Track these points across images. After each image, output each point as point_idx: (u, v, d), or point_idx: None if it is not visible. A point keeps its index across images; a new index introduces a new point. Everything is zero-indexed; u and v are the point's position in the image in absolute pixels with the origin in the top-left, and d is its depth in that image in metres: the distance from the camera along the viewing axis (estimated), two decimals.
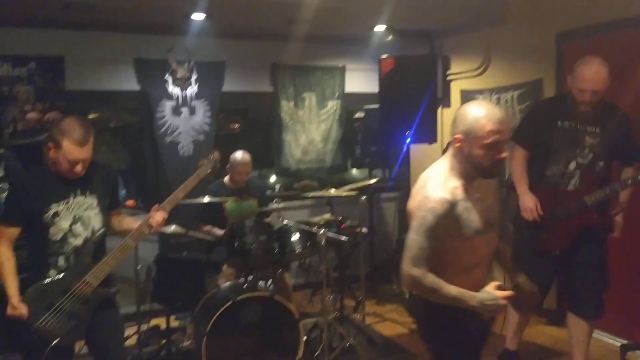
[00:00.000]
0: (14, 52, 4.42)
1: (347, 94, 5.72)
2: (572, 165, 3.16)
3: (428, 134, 4.45)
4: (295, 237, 3.91)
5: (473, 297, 1.99)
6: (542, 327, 4.31)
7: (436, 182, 2.05)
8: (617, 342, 3.74)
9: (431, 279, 2.00)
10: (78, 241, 2.56)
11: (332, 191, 4.20)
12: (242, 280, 3.70)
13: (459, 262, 2.09)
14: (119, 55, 4.83)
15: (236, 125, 6.03)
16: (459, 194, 2.03)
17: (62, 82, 4.60)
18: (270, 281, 4.05)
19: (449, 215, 1.99)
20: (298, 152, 5.65)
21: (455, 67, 5.31)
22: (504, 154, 2.02)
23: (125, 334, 4.02)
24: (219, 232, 4.29)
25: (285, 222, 4.03)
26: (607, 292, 3.21)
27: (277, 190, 5.68)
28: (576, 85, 3.06)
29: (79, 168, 2.50)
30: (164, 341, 3.86)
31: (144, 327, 4.15)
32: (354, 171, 6.05)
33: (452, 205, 2.00)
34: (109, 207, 2.74)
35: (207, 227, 4.40)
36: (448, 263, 2.07)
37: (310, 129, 5.65)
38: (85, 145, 2.47)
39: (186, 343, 3.92)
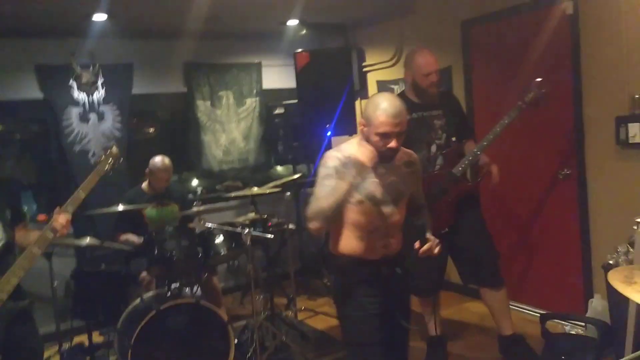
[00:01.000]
0: None
1: (265, 90, 5.66)
2: (434, 148, 3.39)
3: (348, 125, 4.48)
4: (220, 239, 3.82)
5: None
6: (468, 304, 4.44)
7: (336, 148, 2.39)
8: (537, 312, 3.91)
9: (313, 206, 2.30)
10: None
11: (255, 189, 4.13)
12: (165, 288, 3.57)
13: (353, 226, 2.34)
14: (19, 62, 4.53)
15: (151, 129, 5.82)
16: (355, 158, 2.28)
17: None
18: (196, 287, 3.94)
19: (341, 170, 2.27)
20: (219, 153, 5.53)
21: (370, 59, 5.37)
22: (393, 144, 2.24)
23: (46, 354, 3.82)
24: (136, 239, 4.12)
25: (208, 225, 3.92)
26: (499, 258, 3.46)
27: (199, 193, 5.52)
28: (420, 73, 3.33)
29: None
30: (88, 358, 3.66)
31: (66, 345, 3.93)
32: (279, 168, 6.00)
33: (343, 163, 2.27)
34: (12, 220, 2.56)
35: (124, 236, 4.22)
36: (345, 224, 2.35)
37: (230, 128, 5.55)
38: None
39: (112, 358, 3.74)
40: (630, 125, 3.35)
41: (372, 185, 2.33)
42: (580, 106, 3.69)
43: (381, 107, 2.23)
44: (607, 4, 3.44)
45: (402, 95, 3.51)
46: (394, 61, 5.08)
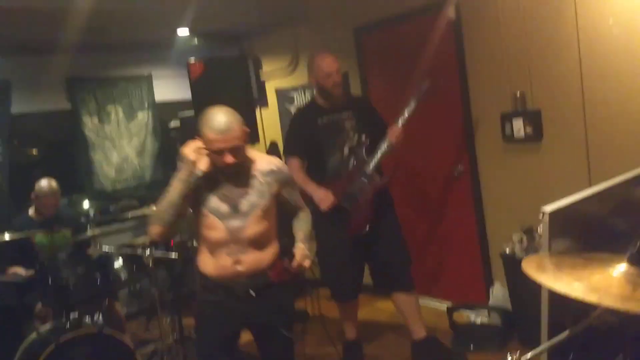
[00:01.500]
0: None
1: (158, 103, 5.45)
2: (346, 150, 3.41)
3: (250, 135, 4.39)
4: (119, 263, 3.61)
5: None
6: (379, 303, 4.52)
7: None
8: (444, 304, 4.06)
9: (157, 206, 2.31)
10: None
11: (153, 208, 3.93)
12: (63, 319, 3.29)
13: (205, 241, 2.33)
14: None
15: (34, 150, 5.38)
16: (203, 167, 2.22)
17: None
18: (98, 315, 3.67)
19: (188, 175, 2.21)
20: (112, 172, 5.23)
21: (267, 67, 5.34)
22: (227, 160, 2.17)
23: None
24: (24, 271, 3.78)
25: (105, 248, 3.68)
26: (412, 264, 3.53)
27: (91, 215, 5.19)
28: (322, 74, 3.34)
29: None
30: None
31: None
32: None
33: (191, 165, 2.21)
34: None
35: (11, 269, 3.85)
36: (201, 240, 2.36)
37: (121, 144, 5.27)
38: None
39: None
40: (514, 120, 3.58)
41: (216, 198, 2.27)
42: (468, 105, 3.89)
43: (208, 125, 2.16)
44: (486, 8, 3.65)
45: (311, 102, 3.55)
46: (290, 69, 5.09)
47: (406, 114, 3.29)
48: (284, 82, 5.21)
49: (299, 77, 5.03)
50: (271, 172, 2.36)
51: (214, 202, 2.26)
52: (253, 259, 2.29)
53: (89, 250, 3.90)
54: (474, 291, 4.05)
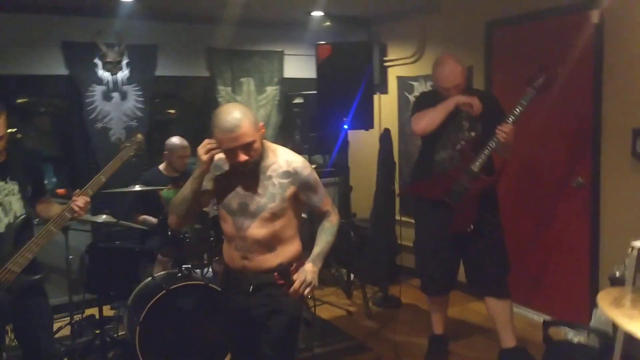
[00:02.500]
0: None
1: (285, 79, 5.70)
2: (458, 147, 3.33)
3: (365, 120, 4.49)
4: None
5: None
6: (472, 303, 4.48)
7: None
8: (540, 317, 3.94)
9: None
10: (1, 228, 2.48)
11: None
12: (176, 269, 3.65)
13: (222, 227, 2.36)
14: (46, 38, 4.61)
15: (172, 111, 5.90)
16: (224, 165, 2.27)
17: None
18: (207, 269, 4.02)
19: (200, 173, 2.22)
20: None
21: (392, 54, 5.38)
22: (240, 158, 2.14)
23: (58, 325, 3.94)
24: (153, 220, 4.21)
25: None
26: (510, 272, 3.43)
27: None
28: (439, 85, 3.32)
29: None
30: (98, 331, 3.77)
31: (77, 317, 4.05)
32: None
33: (215, 165, 2.27)
34: (33, 194, 2.67)
35: (142, 217, 4.31)
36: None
37: None
38: None
39: (121, 333, 3.85)
40: None
41: (230, 193, 2.27)
42: (599, 115, 3.68)
43: (217, 125, 2.13)
44: (633, 17, 3.41)
45: (433, 91, 3.50)
46: (415, 58, 5.09)
47: (518, 111, 3.15)
48: (407, 70, 5.21)
49: (422, 67, 5.01)
50: (288, 174, 2.26)
51: (228, 197, 2.27)
52: (260, 258, 2.26)
53: (207, 208, 4.25)
54: (575, 309, 3.87)
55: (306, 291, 2.17)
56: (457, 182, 3.28)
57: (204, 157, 2.17)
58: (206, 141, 2.19)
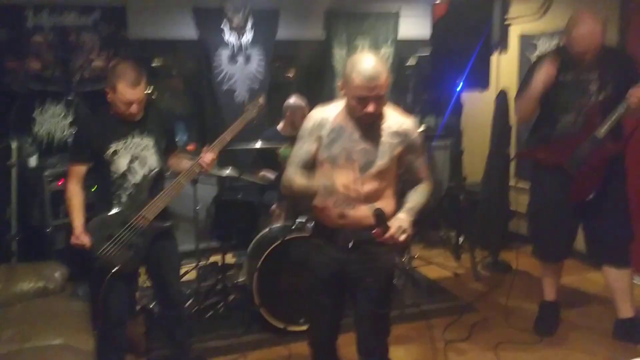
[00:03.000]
0: (79, 2, 4.65)
1: (400, 40, 5.65)
2: (583, 112, 3.13)
3: (480, 80, 4.37)
4: None
5: (317, 183, 2.24)
6: (589, 273, 4.29)
7: (322, 107, 2.38)
8: None
9: (288, 176, 2.34)
10: (137, 179, 2.80)
11: None
12: (291, 222, 3.88)
13: (323, 181, 2.24)
14: (179, 4, 4.96)
15: (291, 74, 6.12)
16: (332, 120, 2.27)
17: (125, 31, 4.81)
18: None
19: (314, 130, 2.30)
20: None
21: (515, 11, 5.12)
22: (370, 109, 2.14)
23: (185, 269, 4.38)
24: (272, 175, 4.47)
25: None
26: (633, 241, 3.24)
27: None
28: (575, 48, 3.04)
29: (134, 108, 2.70)
30: (220, 276, 4.14)
31: (203, 262, 4.46)
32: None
33: (318, 124, 2.29)
34: (166, 148, 2.96)
35: (262, 172, 4.58)
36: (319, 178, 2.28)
37: None
38: (137, 86, 2.67)
39: (241, 279, 4.19)
40: None
41: (338, 148, 2.25)
42: None
43: (356, 69, 2.12)
44: None
45: (558, 50, 3.29)
46: (540, 13, 4.80)
47: None
48: (531, 28, 4.94)
49: (547, 23, 4.73)
50: (399, 134, 2.27)
51: (336, 151, 2.25)
52: (359, 215, 2.25)
53: None
54: None
55: (402, 237, 2.15)
56: (580, 149, 3.13)
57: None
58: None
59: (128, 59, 2.83)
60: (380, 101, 2.17)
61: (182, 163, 3.02)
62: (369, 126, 2.25)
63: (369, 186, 2.25)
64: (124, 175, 2.78)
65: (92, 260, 2.72)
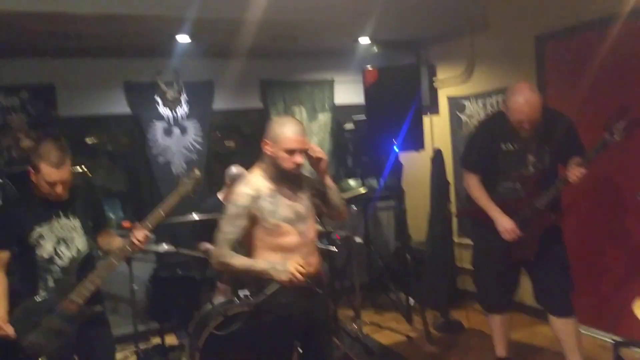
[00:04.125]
0: (5, 82, 4.54)
1: (337, 106, 5.78)
2: (520, 182, 3.22)
3: (415, 141, 4.49)
4: None
5: (263, 263, 2.43)
6: (539, 327, 4.29)
7: (243, 181, 2.54)
8: (610, 339, 3.73)
9: (225, 254, 2.43)
10: (64, 262, 2.64)
11: None
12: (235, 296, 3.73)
13: (274, 251, 2.45)
14: (109, 79, 4.93)
15: (232, 143, 6.10)
16: (264, 190, 2.45)
17: (54, 110, 4.70)
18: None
19: (251, 205, 2.42)
20: None
21: (441, 74, 5.36)
22: (298, 159, 2.43)
23: (123, 354, 4.10)
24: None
25: None
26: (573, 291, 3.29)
27: None
28: (513, 117, 3.07)
29: (58, 189, 2.58)
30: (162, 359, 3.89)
31: (142, 345, 4.19)
32: (351, 181, 6.07)
33: (254, 197, 2.43)
34: (95, 228, 2.81)
35: (205, 245, 4.43)
36: (262, 251, 2.48)
37: None
38: (61, 166, 2.55)
39: None
40: None
41: (284, 207, 2.46)
42: None
43: (287, 126, 2.44)
44: None
45: (498, 117, 3.25)
46: (465, 77, 5.04)
47: (593, 155, 2.99)
48: (458, 90, 5.16)
49: (473, 85, 4.96)
50: (305, 178, 2.62)
51: (282, 212, 2.45)
52: (316, 259, 2.55)
53: None
54: None
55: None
56: (519, 215, 3.18)
57: (288, 277, 2.33)
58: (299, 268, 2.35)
59: (56, 138, 2.72)
60: (302, 155, 2.45)
61: (114, 242, 2.87)
62: (292, 181, 2.50)
63: (314, 229, 2.60)
64: (50, 259, 2.63)
65: (18, 351, 2.52)
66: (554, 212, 3.20)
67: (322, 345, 2.67)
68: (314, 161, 2.55)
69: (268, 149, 2.48)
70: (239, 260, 2.43)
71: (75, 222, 2.70)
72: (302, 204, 2.53)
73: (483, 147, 3.33)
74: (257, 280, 2.49)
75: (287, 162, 2.43)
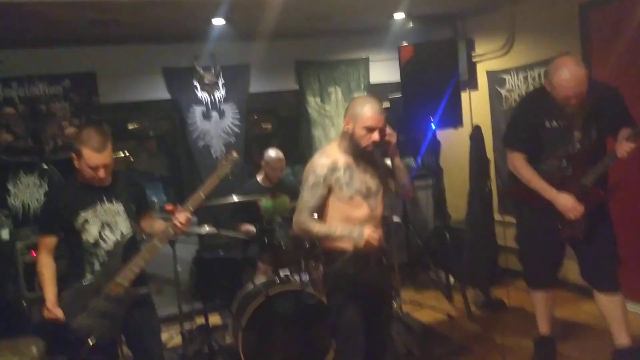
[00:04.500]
0: (48, 72, 4.67)
1: (373, 84, 5.72)
2: (566, 159, 3.12)
3: (453, 118, 4.41)
4: None
5: (342, 228, 2.55)
6: (583, 304, 4.21)
7: (320, 152, 2.69)
8: None
9: (306, 220, 2.58)
10: (109, 246, 2.71)
11: None
12: (275, 275, 3.78)
13: (345, 221, 2.57)
14: (148, 65, 5.01)
15: (268, 125, 6.14)
16: (340, 162, 2.57)
17: (96, 97, 4.82)
18: (305, 275, 4.11)
19: (327, 176, 2.55)
20: None
21: (480, 49, 5.23)
22: (376, 137, 2.53)
23: (168, 334, 4.23)
24: (254, 229, 4.39)
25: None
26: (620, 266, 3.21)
27: None
28: (558, 94, 2.95)
29: (101, 173, 2.64)
30: (206, 339, 3.98)
31: (188, 326, 4.31)
32: (388, 161, 6.02)
33: (331, 169, 2.55)
34: (138, 211, 2.88)
35: (244, 226, 4.51)
36: (336, 219, 2.59)
37: (339, 122, 5.65)
38: (103, 151, 2.61)
39: (228, 339, 4.05)
40: None
41: (358, 181, 2.58)
42: None
43: (367, 104, 2.54)
44: None
45: (542, 93, 3.15)
46: (505, 50, 4.91)
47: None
48: (497, 64, 5.04)
49: (513, 59, 4.83)
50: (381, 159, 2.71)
51: (357, 185, 2.58)
52: (380, 234, 2.60)
53: None
54: None
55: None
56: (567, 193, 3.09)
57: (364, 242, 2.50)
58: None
59: (100, 124, 2.82)
60: (382, 132, 2.55)
61: (156, 225, 2.94)
62: (370, 155, 2.59)
63: (382, 206, 2.71)
64: (96, 244, 2.70)
65: (68, 333, 2.61)
66: (602, 189, 3.10)
67: (385, 315, 2.80)
68: (385, 142, 2.62)
69: (348, 126, 2.58)
70: (319, 226, 2.58)
71: (118, 207, 2.76)
72: (374, 180, 2.63)
73: (527, 125, 3.23)
74: (327, 252, 2.66)
75: (365, 140, 2.53)
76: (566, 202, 3.06)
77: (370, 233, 2.49)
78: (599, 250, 3.18)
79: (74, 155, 2.65)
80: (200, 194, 2.81)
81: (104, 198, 2.73)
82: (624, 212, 3.76)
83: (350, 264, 2.58)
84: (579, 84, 2.88)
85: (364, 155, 2.60)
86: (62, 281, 2.71)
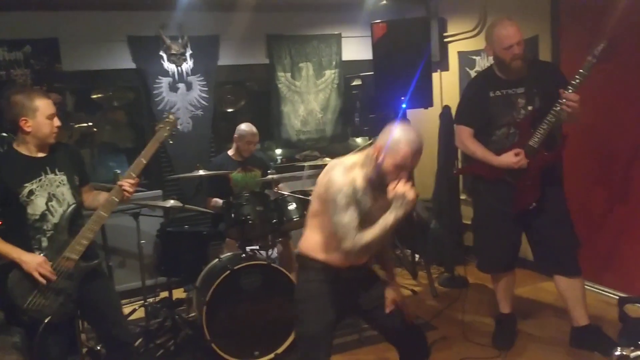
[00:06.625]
0: (8, 36, 4.47)
1: (344, 61, 5.68)
2: (513, 127, 3.22)
3: (424, 98, 4.41)
4: (292, 206, 3.94)
5: (386, 217, 2.23)
6: (543, 282, 4.32)
7: (339, 169, 2.32)
8: (615, 294, 3.75)
9: (358, 239, 2.24)
10: (56, 219, 2.62)
11: (326, 160, 4.23)
12: (241, 250, 3.76)
13: (336, 238, 2.30)
14: (113, 33, 4.84)
15: (237, 99, 6.03)
16: (358, 185, 2.29)
17: (59, 64, 4.64)
18: (272, 250, 4.10)
19: (354, 195, 2.27)
20: (297, 123, 5.65)
21: (452, 29, 5.23)
22: (405, 176, 2.21)
23: (131, 308, 4.18)
24: (221, 201, 4.34)
25: (281, 192, 4.06)
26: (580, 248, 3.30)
27: (279, 161, 5.72)
28: (500, 46, 3.11)
29: (56, 122, 2.64)
30: (169, 313, 3.94)
31: (151, 299, 4.26)
32: (359, 140, 6.03)
33: (354, 189, 2.27)
34: (80, 183, 2.79)
35: (214, 200, 4.45)
36: (327, 234, 2.37)
37: (308, 99, 5.64)
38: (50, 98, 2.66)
39: (192, 314, 4.02)
40: None
41: (375, 210, 2.32)
42: None
43: (408, 139, 2.19)
44: None
45: (487, 71, 3.37)
46: (476, 31, 4.92)
47: (577, 81, 2.97)
48: (468, 45, 5.05)
49: (483, 40, 4.83)
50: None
51: (373, 213, 2.31)
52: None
53: (269, 191, 4.33)
54: None
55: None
56: None
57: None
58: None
59: (63, 93, 2.73)
60: (411, 174, 2.29)
61: (99, 196, 2.86)
62: (381, 188, 2.29)
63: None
64: (43, 217, 2.60)
65: (22, 315, 2.53)
66: (551, 150, 3.18)
67: (386, 316, 2.55)
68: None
69: (378, 155, 2.25)
70: (371, 233, 2.26)
71: (62, 177, 2.68)
72: (379, 213, 2.29)
73: (472, 98, 3.36)
74: (303, 258, 2.50)
75: (392, 177, 2.23)
76: (507, 159, 3.17)
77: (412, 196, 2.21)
78: (557, 234, 3.24)
79: (24, 119, 2.56)
80: (142, 159, 2.77)
81: (48, 169, 2.65)
82: (578, 190, 3.86)
83: (322, 274, 2.42)
84: (516, 32, 3.08)
85: (380, 184, 2.31)
86: (7, 264, 2.55)
